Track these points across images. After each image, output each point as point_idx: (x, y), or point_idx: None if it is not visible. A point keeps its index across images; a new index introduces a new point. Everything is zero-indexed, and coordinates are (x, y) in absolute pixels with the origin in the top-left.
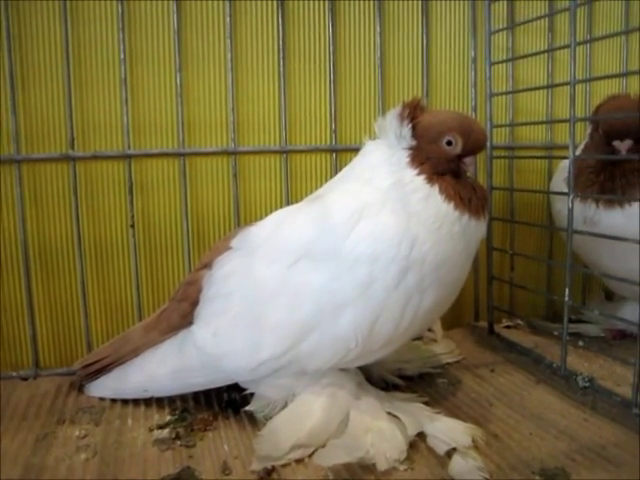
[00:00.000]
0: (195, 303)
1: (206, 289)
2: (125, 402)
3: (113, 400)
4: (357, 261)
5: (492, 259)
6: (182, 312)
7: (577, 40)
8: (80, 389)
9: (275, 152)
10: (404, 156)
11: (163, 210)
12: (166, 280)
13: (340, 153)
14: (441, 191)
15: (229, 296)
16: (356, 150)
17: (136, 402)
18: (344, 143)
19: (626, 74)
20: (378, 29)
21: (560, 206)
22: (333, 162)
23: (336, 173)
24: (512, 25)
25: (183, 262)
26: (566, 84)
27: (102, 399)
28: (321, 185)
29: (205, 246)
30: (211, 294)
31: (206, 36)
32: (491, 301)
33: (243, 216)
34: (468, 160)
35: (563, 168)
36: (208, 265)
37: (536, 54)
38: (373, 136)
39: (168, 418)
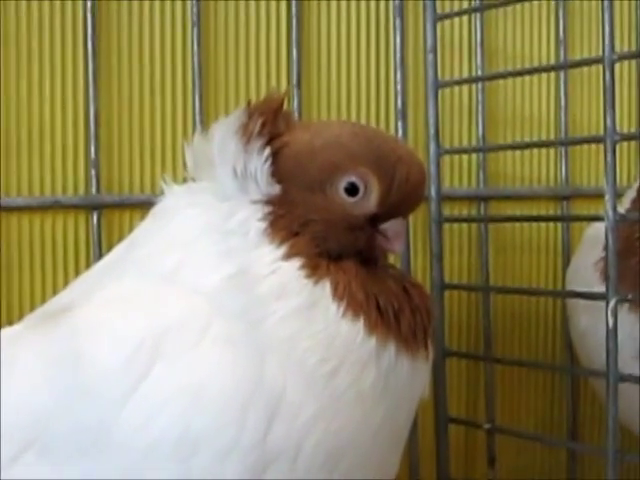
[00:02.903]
0: None
1: None
2: None
3: None
4: (148, 454)
5: (447, 439)
6: None
7: None
8: None
9: None
10: (255, 218)
11: None
12: None
13: (106, 211)
14: (337, 294)
15: None
16: (144, 206)
17: None
18: (115, 191)
19: None
20: None
21: (587, 321)
22: (93, 231)
23: (100, 255)
24: None
25: None
26: (596, 62)
27: None
28: (67, 281)
29: None
30: None
31: None
32: None
33: None
34: (392, 227)
35: (592, 241)
36: None
37: None
38: (182, 177)
39: None
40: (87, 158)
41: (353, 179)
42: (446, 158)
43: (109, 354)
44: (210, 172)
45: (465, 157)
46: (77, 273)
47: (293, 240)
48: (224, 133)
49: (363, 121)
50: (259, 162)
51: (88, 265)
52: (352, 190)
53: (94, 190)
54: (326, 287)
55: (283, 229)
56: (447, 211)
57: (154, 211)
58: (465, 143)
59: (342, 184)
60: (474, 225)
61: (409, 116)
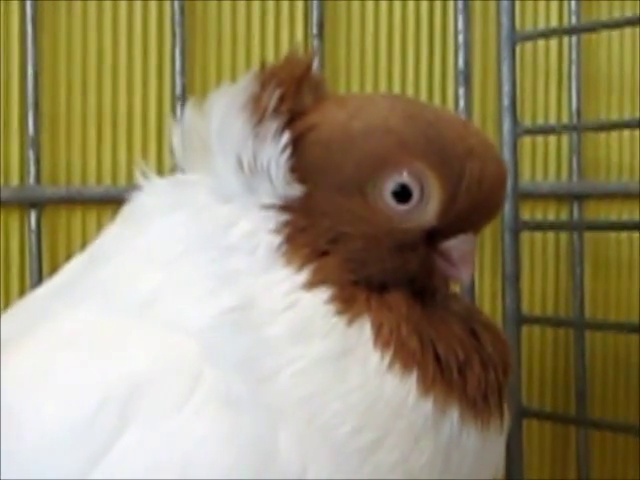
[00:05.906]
0: None
1: None
2: None
3: None
4: None
5: None
6: None
7: None
8: None
9: None
10: (265, 230)
11: None
12: None
13: (49, 209)
14: (380, 339)
15: None
16: (101, 204)
17: None
18: (62, 182)
19: None
20: None
21: None
22: (30, 235)
23: (39, 269)
24: None
25: None
26: None
27: None
28: None
29: None
30: None
31: None
32: None
33: None
34: (458, 247)
35: None
36: None
37: None
38: (156, 167)
39: None
40: (23, 136)
41: (405, 179)
42: (526, 140)
43: (58, 417)
44: (205, 161)
45: (553, 139)
46: (7, 293)
47: (319, 262)
48: (226, 108)
49: (409, 87)
50: (274, 151)
51: (22, 282)
52: (403, 194)
53: (32, 180)
54: (365, 329)
55: (305, 246)
56: (526, 214)
57: (124, 213)
58: (553, 119)
59: (389, 185)
60: (564, 234)
61: (474, 80)
